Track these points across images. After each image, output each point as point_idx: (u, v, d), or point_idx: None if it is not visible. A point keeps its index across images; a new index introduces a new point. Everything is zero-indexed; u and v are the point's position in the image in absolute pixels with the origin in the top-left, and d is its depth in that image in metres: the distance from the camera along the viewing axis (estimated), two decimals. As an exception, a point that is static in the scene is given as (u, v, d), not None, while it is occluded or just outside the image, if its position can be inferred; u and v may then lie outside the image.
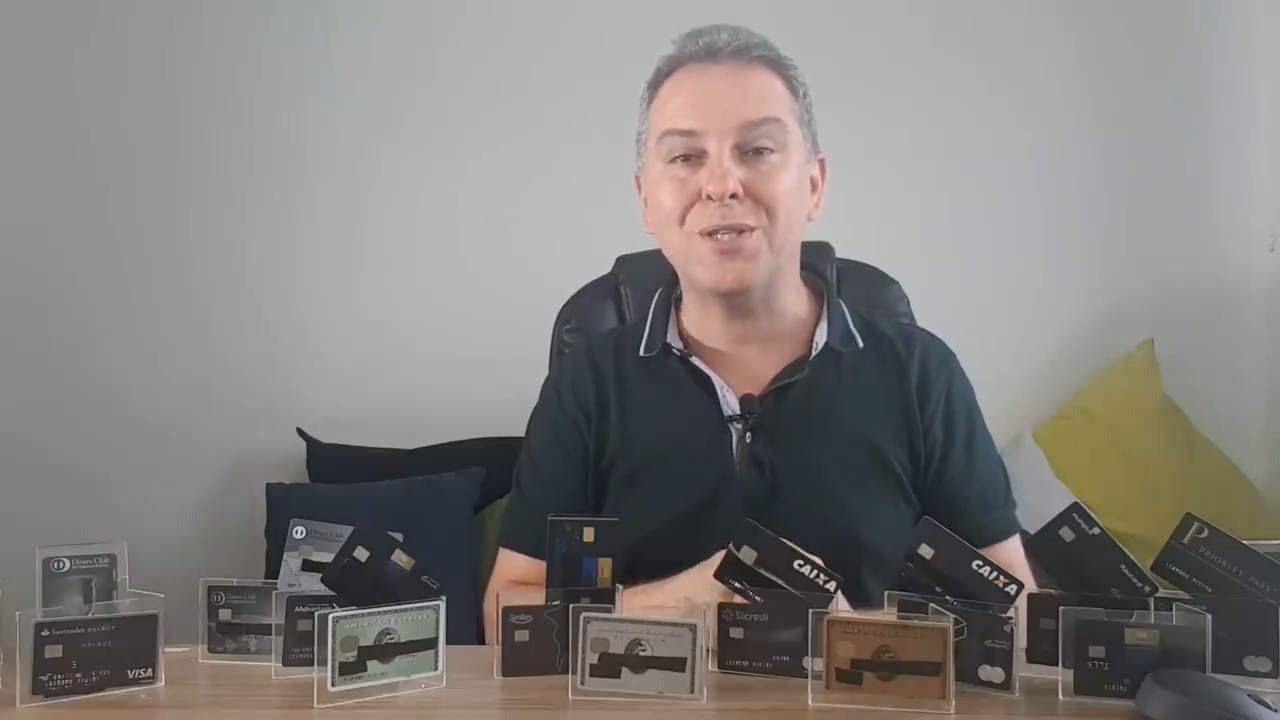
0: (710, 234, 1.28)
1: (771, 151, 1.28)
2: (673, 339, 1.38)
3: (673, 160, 1.30)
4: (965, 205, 2.59)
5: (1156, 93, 2.64)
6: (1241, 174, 2.65)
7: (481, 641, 1.36)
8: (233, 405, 2.47)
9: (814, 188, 1.37)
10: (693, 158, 1.29)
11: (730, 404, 1.34)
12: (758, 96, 1.29)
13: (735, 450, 1.32)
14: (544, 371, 1.55)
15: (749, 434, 1.32)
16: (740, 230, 1.27)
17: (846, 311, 1.40)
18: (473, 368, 2.43)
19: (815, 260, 1.49)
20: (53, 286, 2.47)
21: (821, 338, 1.36)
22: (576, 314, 1.63)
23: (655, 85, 1.35)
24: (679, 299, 1.42)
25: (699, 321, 1.39)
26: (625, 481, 1.35)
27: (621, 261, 1.66)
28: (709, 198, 1.27)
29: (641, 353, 1.38)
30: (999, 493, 1.38)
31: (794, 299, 1.38)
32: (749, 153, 1.28)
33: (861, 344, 1.37)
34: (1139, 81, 2.64)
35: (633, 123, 1.38)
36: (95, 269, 2.47)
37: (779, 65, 1.32)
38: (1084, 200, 2.63)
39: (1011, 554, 1.32)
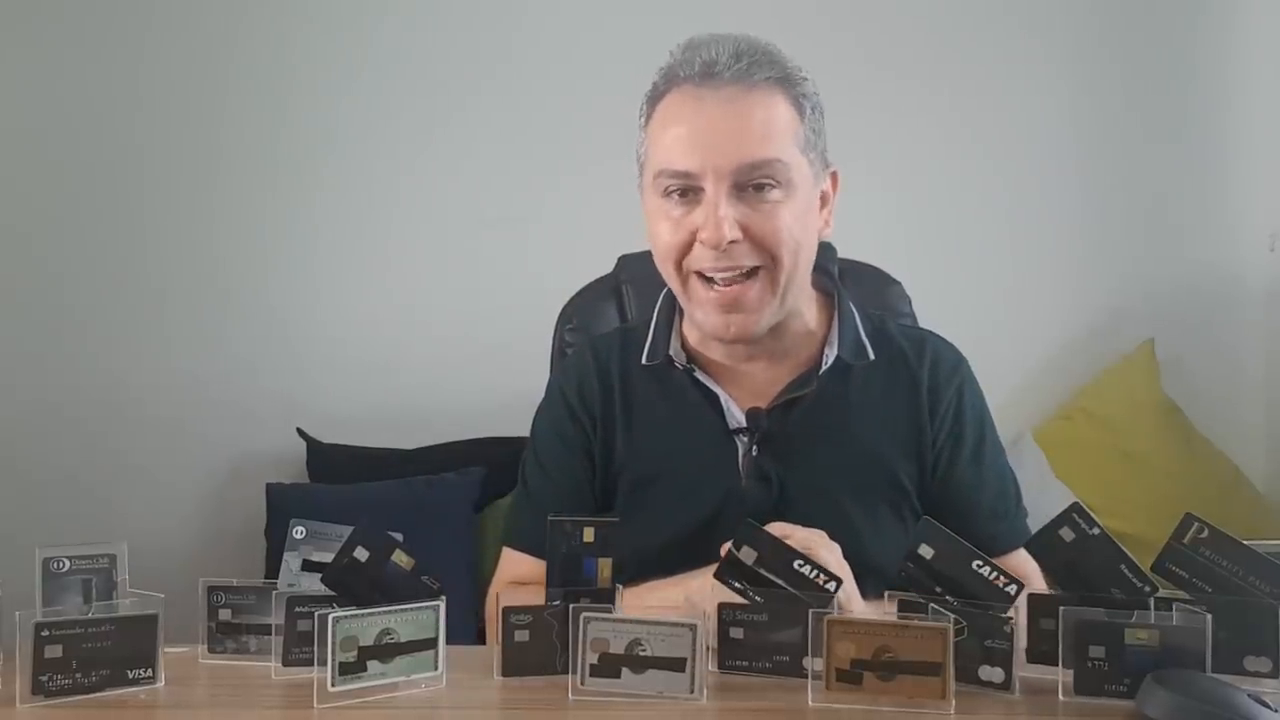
0: (709, 280, 1.24)
1: (773, 187, 1.21)
2: (675, 351, 1.34)
3: (668, 194, 1.24)
4: (965, 205, 2.59)
5: (1156, 92, 2.64)
6: (1241, 174, 2.65)
7: (481, 642, 1.34)
8: (233, 405, 2.47)
9: (824, 203, 1.30)
10: (689, 193, 1.22)
11: (736, 417, 1.31)
12: (760, 132, 1.20)
13: (741, 464, 1.30)
14: (544, 371, 1.55)
15: (755, 447, 1.29)
16: (741, 271, 1.22)
17: (858, 318, 1.36)
18: (473, 368, 2.43)
19: (821, 259, 1.38)
20: (52, 288, 2.47)
21: (832, 351, 1.31)
22: (578, 313, 1.63)
23: (652, 102, 1.27)
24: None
25: (701, 339, 1.34)
26: (630, 494, 1.32)
27: (623, 261, 1.66)
28: (703, 243, 1.21)
29: (644, 361, 1.35)
30: (1009, 502, 1.35)
31: (803, 311, 1.32)
32: (748, 189, 1.21)
33: (873, 355, 1.32)
34: (1139, 81, 2.64)
35: (635, 122, 1.32)
36: (94, 270, 2.47)
37: (785, 83, 1.23)
38: (1084, 200, 2.63)
39: (1024, 563, 1.26)
